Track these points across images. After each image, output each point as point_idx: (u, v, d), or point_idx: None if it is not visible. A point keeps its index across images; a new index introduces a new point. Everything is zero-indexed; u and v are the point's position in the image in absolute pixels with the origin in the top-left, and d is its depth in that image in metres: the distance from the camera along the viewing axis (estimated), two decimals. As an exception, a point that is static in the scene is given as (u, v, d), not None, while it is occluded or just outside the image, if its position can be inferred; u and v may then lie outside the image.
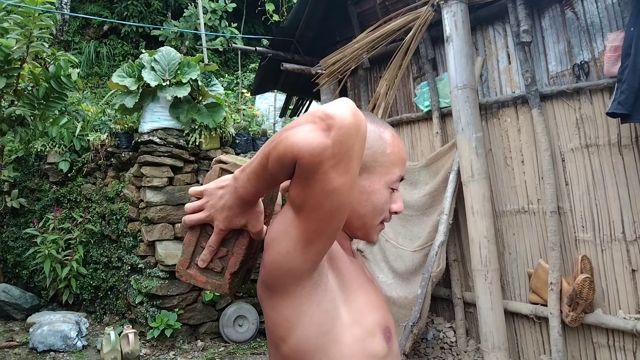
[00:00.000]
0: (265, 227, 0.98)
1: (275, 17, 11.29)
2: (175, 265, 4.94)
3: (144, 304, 4.97)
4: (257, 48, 5.16)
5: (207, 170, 5.46)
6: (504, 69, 3.73)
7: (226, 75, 9.72)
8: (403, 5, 4.33)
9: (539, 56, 3.48)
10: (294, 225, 0.87)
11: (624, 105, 2.65)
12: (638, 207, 2.96)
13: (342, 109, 0.78)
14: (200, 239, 0.98)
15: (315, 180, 0.79)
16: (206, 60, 6.96)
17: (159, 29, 10.42)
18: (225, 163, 1.01)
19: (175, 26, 10.43)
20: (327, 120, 0.76)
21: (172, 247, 5.03)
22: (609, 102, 3.04)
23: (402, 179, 1.09)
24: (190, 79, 5.04)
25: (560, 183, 3.37)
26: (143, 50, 5.91)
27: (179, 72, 5.07)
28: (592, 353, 3.20)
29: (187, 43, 10.72)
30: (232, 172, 0.97)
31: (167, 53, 5.20)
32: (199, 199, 0.97)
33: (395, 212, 1.09)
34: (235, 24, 11.06)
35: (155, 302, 4.95)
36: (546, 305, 3.33)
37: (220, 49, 10.71)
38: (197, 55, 5.67)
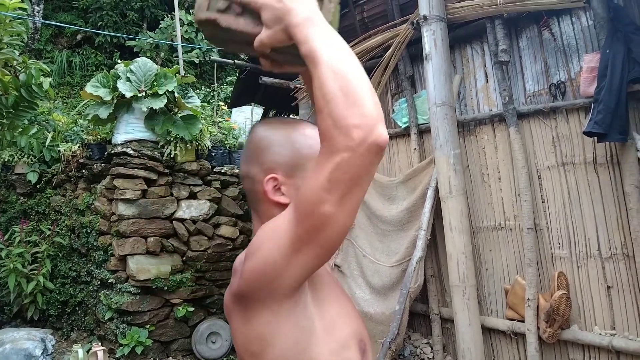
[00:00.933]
0: (263, 47, 0.91)
1: (253, 32, 11.29)
2: (147, 280, 4.84)
3: (114, 320, 4.82)
4: (236, 61, 5.13)
5: (182, 184, 5.37)
6: (481, 87, 3.78)
7: (202, 87, 9.64)
8: (382, 23, 4.37)
9: (516, 75, 3.55)
10: (287, 230, 0.86)
11: (601, 125, 2.71)
12: (613, 225, 3.02)
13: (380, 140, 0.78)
14: None
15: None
16: (182, 72, 6.90)
17: (134, 39, 10.30)
18: None
19: (150, 37, 10.34)
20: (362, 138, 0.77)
21: (144, 262, 4.90)
22: (585, 122, 3.11)
23: None
24: (167, 90, 4.98)
25: (536, 200, 3.41)
26: (119, 61, 5.81)
27: (155, 83, 4.99)
28: (568, 369, 3.23)
29: (162, 55, 10.62)
30: (319, 6, 0.92)
31: (144, 64, 5.13)
32: None
33: None
34: (213, 37, 11.01)
35: (125, 318, 4.80)
36: (523, 322, 3.35)
37: (196, 61, 10.65)
38: (174, 67, 5.61)
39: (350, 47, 4.07)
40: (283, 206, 1.01)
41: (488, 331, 3.65)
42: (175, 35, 9.81)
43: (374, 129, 0.77)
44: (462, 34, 3.84)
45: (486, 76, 3.75)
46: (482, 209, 3.76)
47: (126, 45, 10.39)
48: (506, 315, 3.54)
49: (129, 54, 10.96)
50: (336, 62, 0.81)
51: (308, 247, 0.85)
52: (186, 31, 10.32)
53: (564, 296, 3.07)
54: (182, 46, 9.28)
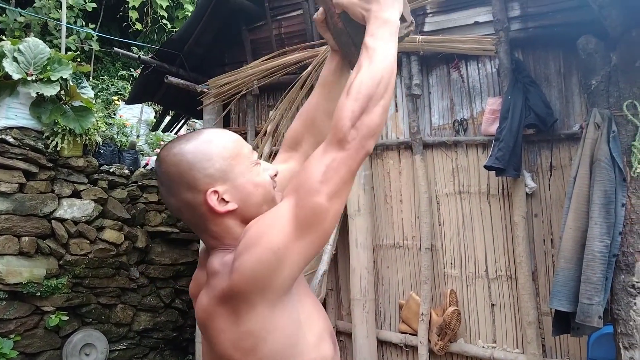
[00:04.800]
0: (339, 6, 1.09)
1: (138, 26, 10.74)
2: (18, 284, 4.33)
3: (-29, 329, 4.23)
4: (141, 56, 4.88)
5: (65, 180, 4.92)
6: (390, 116, 4.05)
7: (90, 78, 8.93)
8: (299, 41, 4.49)
9: (424, 109, 3.88)
10: (289, 216, 0.92)
11: (501, 161, 3.09)
12: (500, 250, 3.43)
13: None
14: None
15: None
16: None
17: (1, 15, 9.21)
18: None
19: (22, 15, 9.33)
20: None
21: (15, 264, 4.38)
22: (483, 156, 3.51)
23: (254, 150, 1.13)
24: (61, 77, 4.57)
25: (434, 223, 3.74)
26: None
27: (48, 68, 4.56)
28: (452, 379, 3.56)
29: (32, 36, 9.62)
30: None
31: (35, 45, 4.65)
32: None
33: (275, 175, 1.12)
34: (93, 25, 10.30)
35: (-14, 327, 4.25)
36: (415, 335, 3.62)
37: (73, 48, 9.83)
38: (70, 53, 5.17)
39: (267, 59, 4.12)
40: (234, 213, 1.04)
41: (381, 343, 3.88)
42: (54, 17, 9.03)
43: (371, 139, 0.96)
44: (377, 64, 4.09)
45: (396, 106, 4.04)
46: (383, 228, 4.01)
47: (-13, 20, 9.24)
48: (399, 329, 3.80)
49: (-12, 31, 9.78)
50: (384, 74, 0.97)
51: (308, 233, 0.92)
52: (65, 15, 9.50)
53: (456, 312, 3.40)
54: (60, 26, 8.52)
